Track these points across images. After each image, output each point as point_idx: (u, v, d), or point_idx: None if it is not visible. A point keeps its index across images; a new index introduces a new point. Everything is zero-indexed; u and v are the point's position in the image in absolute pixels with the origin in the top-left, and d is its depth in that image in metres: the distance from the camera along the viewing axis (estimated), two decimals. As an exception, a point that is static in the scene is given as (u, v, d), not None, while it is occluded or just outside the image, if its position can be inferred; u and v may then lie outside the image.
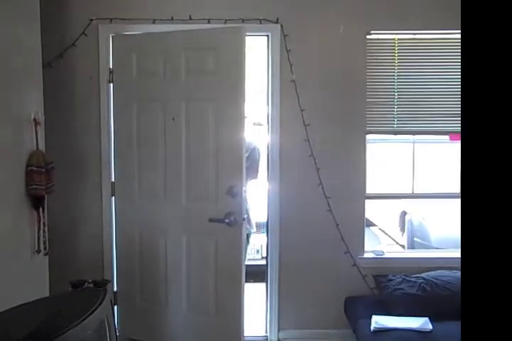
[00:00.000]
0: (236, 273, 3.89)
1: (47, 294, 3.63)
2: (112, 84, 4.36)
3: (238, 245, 3.89)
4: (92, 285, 2.57)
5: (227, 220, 3.86)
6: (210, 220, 3.92)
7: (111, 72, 4.34)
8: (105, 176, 4.41)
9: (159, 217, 4.20)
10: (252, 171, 4.68)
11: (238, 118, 3.83)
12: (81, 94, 4.40)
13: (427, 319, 3.80)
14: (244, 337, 3.94)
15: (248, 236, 4.35)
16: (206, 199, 4.00)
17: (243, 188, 3.85)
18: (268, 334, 4.55)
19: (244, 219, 3.89)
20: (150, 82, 4.17)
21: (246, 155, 4.06)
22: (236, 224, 3.87)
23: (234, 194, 3.84)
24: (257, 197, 4.46)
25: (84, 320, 2.15)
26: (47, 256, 3.73)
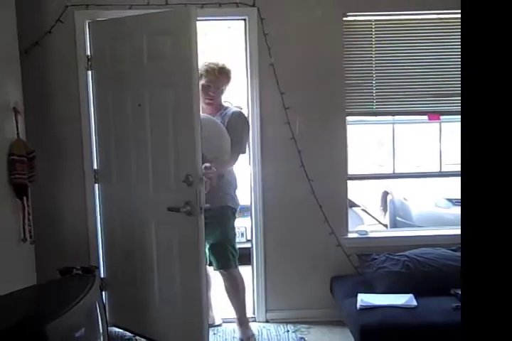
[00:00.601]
0: (196, 262, 3.78)
1: (34, 282, 3.65)
2: (90, 72, 4.33)
3: (196, 234, 3.72)
4: (80, 271, 2.59)
5: (183, 209, 3.70)
6: (169, 209, 3.78)
7: (89, 59, 4.32)
8: (87, 164, 4.39)
9: (134, 204, 4.18)
10: (237, 144, 4.20)
11: (191, 105, 3.68)
12: (60, 81, 4.36)
13: (411, 295, 3.86)
14: (208, 325, 3.92)
15: (234, 212, 4.29)
16: (167, 187, 3.91)
17: (200, 176, 3.69)
18: (256, 315, 4.59)
19: (201, 209, 3.71)
20: (120, 68, 4.12)
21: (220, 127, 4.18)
22: (194, 214, 3.71)
23: (190, 182, 3.67)
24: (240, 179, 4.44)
25: (74, 306, 2.18)
26: (33, 245, 3.73)
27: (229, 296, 4.35)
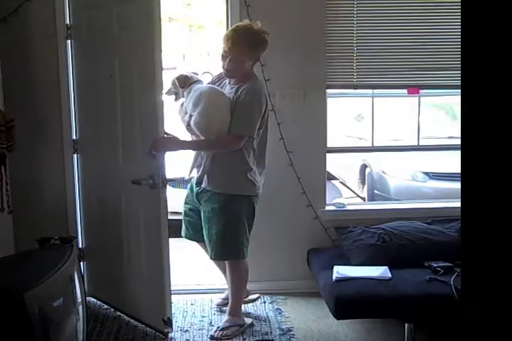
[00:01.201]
0: (159, 236, 3.80)
1: (12, 252, 3.64)
2: (69, 41, 4.29)
3: (158, 207, 3.74)
4: (58, 241, 2.60)
5: (144, 182, 3.70)
6: (133, 182, 3.78)
7: (68, 28, 4.27)
8: (66, 133, 4.37)
9: (106, 176, 4.22)
10: (235, 122, 3.73)
11: (154, 74, 3.64)
12: (39, 50, 4.31)
13: (386, 268, 3.91)
14: (170, 291, 3.91)
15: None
16: (134, 160, 3.95)
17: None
18: (233, 286, 4.64)
19: (164, 182, 3.70)
20: (95, 38, 4.11)
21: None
22: (156, 187, 3.70)
23: (153, 155, 3.65)
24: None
25: (52, 275, 2.19)
26: (11, 215, 3.72)
27: None
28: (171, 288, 3.90)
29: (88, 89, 4.24)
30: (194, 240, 4.21)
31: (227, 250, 3.92)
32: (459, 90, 1.96)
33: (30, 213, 4.34)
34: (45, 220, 4.36)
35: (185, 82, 3.90)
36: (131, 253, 4.11)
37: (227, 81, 3.91)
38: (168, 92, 3.95)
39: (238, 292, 4.06)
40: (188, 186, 4.14)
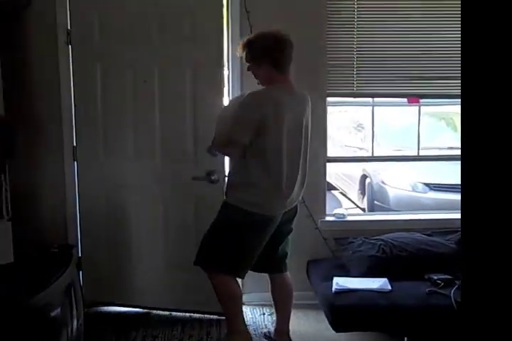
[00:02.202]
0: None
1: (11, 259, 3.59)
2: (70, 46, 4.27)
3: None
4: (56, 250, 2.56)
5: (212, 177, 4.07)
6: (194, 178, 4.08)
7: (68, 33, 4.25)
8: (67, 140, 4.36)
9: (131, 179, 4.31)
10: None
11: (217, 81, 4.11)
12: (38, 55, 4.29)
13: (386, 279, 3.88)
14: None
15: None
16: (186, 159, 4.20)
17: None
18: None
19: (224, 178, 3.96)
20: (115, 45, 4.18)
21: None
22: (218, 182, 4.07)
23: (214, 153, 3.87)
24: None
25: (50, 285, 2.15)
26: (10, 222, 3.67)
27: None
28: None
29: (99, 94, 4.29)
30: None
31: (203, 257, 3.60)
32: (460, 99, 1.94)
33: (31, 220, 4.29)
34: (45, 227, 4.34)
35: None
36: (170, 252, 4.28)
37: None
38: None
39: (224, 309, 3.71)
40: None
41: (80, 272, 4.28)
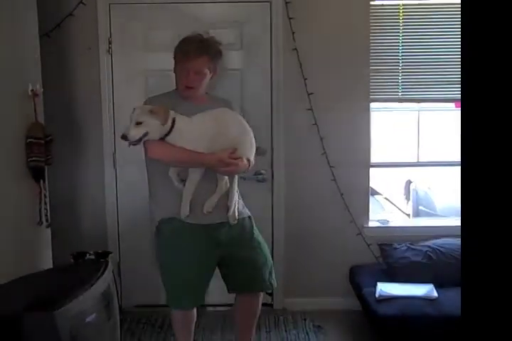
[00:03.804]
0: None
1: (50, 266, 3.64)
2: (111, 55, 4.30)
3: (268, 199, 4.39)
4: (93, 256, 2.56)
5: (259, 177, 4.26)
6: (242, 178, 3.81)
7: (109, 42, 4.28)
8: (107, 148, 4.38)
9: None
10: None
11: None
12: (80, 64, 4.34)
13: (431, 286, 3.79)
14: None
15: None
16: None
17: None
18: (274, 302, 4.55)
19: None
20: (159, 54, 4.18)
21: None
22: (266, 181, 4.32)
23: (262, 152, 3.98)
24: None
25: (85, 291, 2.15)
26: (49, 228, 3.72)
27: None
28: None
29: None
30: None
31: None
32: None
33: (70, 227, 4.35)
34: (84, 234, 4.38)
35: None
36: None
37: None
38: None
39: None
40: None
41: (120, 278, 4.35)
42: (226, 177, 3.16)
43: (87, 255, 2.58)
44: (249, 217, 3.34)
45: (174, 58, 3.26)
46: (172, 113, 3.03)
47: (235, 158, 3.09)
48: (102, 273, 2.35)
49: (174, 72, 3.27)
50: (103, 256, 2.58)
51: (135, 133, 2.98)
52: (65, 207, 4.31)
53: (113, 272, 2.53)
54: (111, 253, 2.68)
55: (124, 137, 2.96)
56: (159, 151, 3.06)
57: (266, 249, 3.39)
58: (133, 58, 4.33)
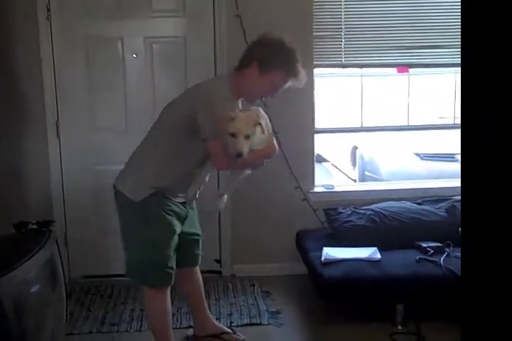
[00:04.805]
0: None
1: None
2: (50, 23, 4.20)
3: None
4: (35, 226, 2.53)
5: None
6: None
7: (48, 9, 4.18)
8: (49, 117, 4.31)
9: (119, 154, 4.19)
10: None
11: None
12: (20, 31, 4.21)
13: (375, 249, 3.87)
14: None
15: None
16: None
17: None
18: (222, 269, 4.60)
19: None
20: (100, 20, 4.21)
21: None
22: None
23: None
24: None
25: (27, 260, 2.13)
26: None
27: None
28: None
29: (85, 68, 4.32)
30: None
31: None
32: (450, 68, 1.91)
33: (14, 198, 4.29)
34: (29, 205, 4.33)
35: None
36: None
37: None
38: None
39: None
40: None
41: (66, 248, 4.33)
42: None
43: (30, 224, 2.55)
44: None
45: (272, 68, 3.02)
46: None
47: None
48: (45, 242, 2.34)
49: (257, 76, 3.03)
50: (46, 225, 2.55)
51: (247, 148, 2.82)
52: (9, 177, 4.25)
53: (57, 242, 2.51)
54: (54, 221, 2.65)
55: (239, 155, 2.78)
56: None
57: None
58: (73, 25, 4.24)
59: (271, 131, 3.12)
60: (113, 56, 4.32)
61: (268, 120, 3.14)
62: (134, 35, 4.30)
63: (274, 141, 3.14)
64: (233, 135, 2.79)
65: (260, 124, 2.87)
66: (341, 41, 4.53)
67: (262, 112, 3.08)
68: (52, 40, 4.23)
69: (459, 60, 1.94)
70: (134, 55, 4.32)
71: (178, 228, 3.13)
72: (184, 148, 3.00)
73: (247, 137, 2.81)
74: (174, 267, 3.12)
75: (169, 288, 3.19)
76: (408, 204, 4.36)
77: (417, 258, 3.75)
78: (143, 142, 3.15)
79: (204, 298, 3.63)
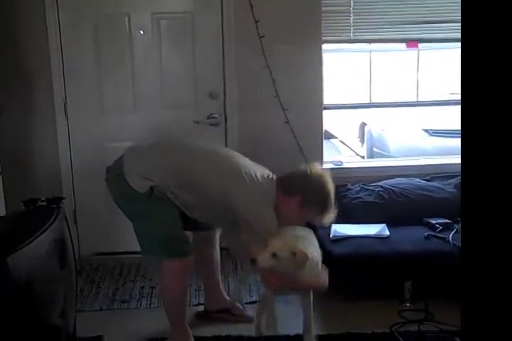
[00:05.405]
0: None
1: (3, 213, 3.60)
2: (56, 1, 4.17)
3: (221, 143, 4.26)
4: (45, 203, 2.53)
5: (212, 120, 4.33)
6: (195, 122, 4.31)
7: (52, -5, 4.15)
8: (57, 94, 4.29)
9: (128, 131, 4.33)
10: None
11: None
12: (22, 9, 4.18)
13: (384, 225, 3.87)
14: None
15: None
16: (186, 104, 4.36)
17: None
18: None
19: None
20: None
21: None
22: (218, 125, 4.35)
23: (215, 96, 4.25)
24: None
25: (37, 237, 2.14)
26: (0, 176, 3.66)
27: None
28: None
29: (92, 46, 4.29)
30: None
31: None
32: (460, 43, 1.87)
33: (23, 175, 4.30)
34: (38, 183, 4.34)
35: None
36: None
37: None
38: None
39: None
40: None
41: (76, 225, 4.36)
42: None
43: (39, 201, 2.56)
44: None
45: (311, 206, 3.12)
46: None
47: None
48: (54, 219, 2.34)
49: (296, 209, 3.08)
50: (55, 201, 2.55)
51: (266, 261, 2.82)
52: (18, 155, 4.25)
53: (66, 219, 2.52)
54: (63, 198, 2.65)
55: (253, 261, 2.82)
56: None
57: None
58: (79, 2, 4.22)
59: (318, 263, 3.12)
60: (120, 32, 4.28)
61: (319, 252, 3.17)
62: (141, 10, 4.26)
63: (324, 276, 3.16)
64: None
65: (296, 257, 2.85)
66: (350, 16, 4.48)
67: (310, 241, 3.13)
68: (58, 17, 4.19)
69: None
70: (141, 32, 4.29)
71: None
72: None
73: (274, 255, 2.82)
74: (189, 240, 3.15)
75: (188, 266, 3.16)
76: (417, 181, 4.35)
77: (426, 234, 3.76)
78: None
79: (219, 271, 3.60)
